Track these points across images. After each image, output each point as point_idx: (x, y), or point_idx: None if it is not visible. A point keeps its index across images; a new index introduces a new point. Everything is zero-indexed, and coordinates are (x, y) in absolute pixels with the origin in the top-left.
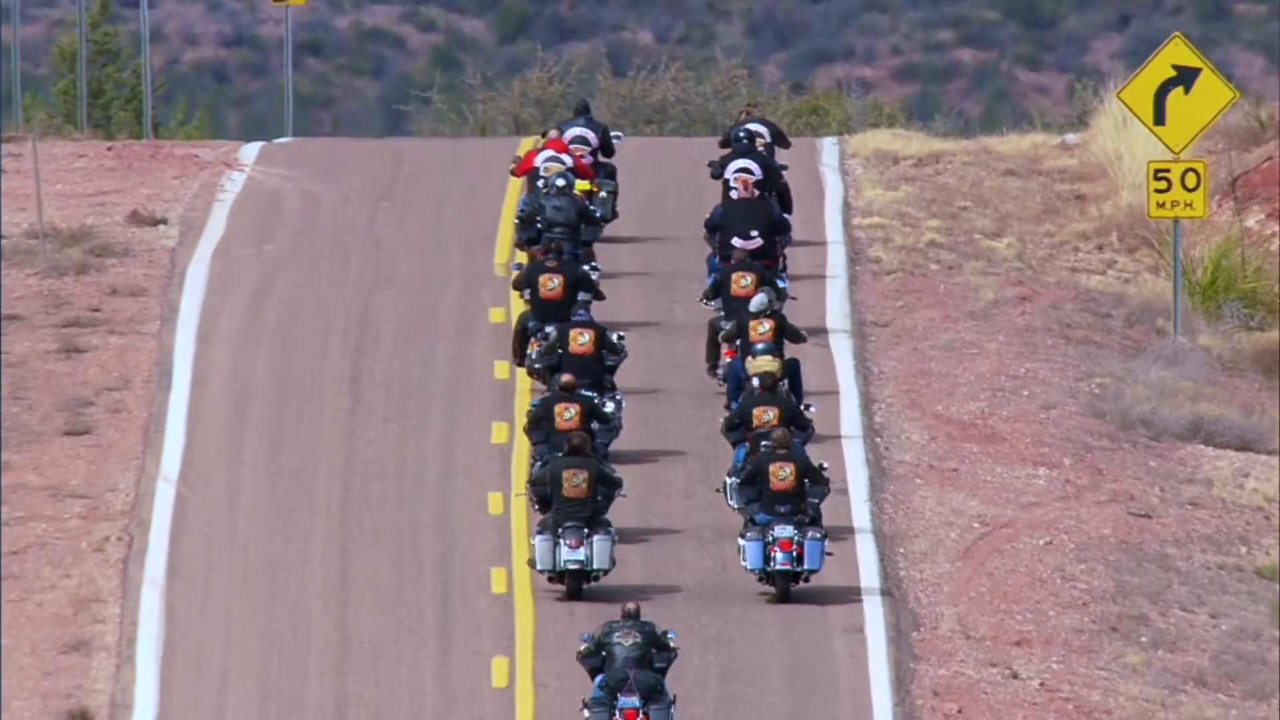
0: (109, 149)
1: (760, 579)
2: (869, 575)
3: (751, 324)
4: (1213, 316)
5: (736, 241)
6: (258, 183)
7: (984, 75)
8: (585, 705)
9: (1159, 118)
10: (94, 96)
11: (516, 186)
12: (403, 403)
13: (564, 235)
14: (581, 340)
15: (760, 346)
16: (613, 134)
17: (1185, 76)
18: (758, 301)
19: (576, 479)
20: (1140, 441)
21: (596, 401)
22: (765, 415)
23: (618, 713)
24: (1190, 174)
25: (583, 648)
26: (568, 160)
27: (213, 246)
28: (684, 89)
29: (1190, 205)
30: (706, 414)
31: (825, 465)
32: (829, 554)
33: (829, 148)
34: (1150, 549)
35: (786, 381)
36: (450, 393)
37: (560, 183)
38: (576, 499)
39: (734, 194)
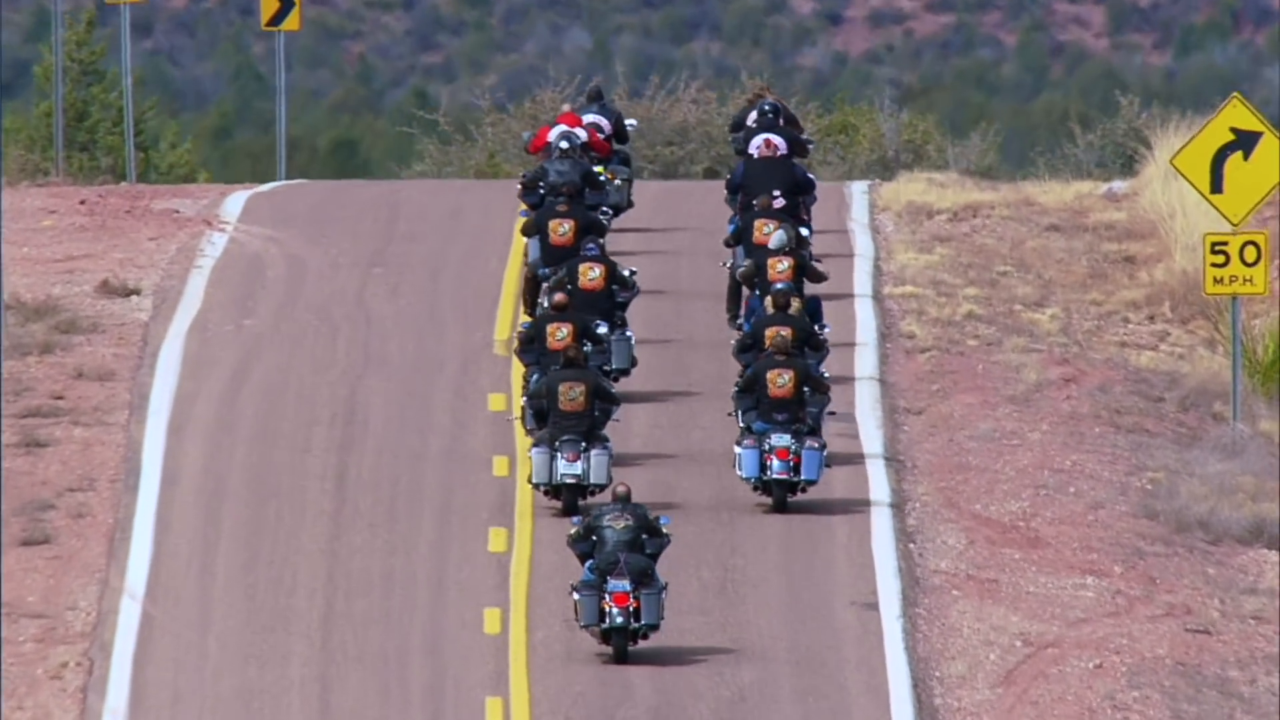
0: (81, 202)
1: (755, 488)
2: (900, 703)
3: (770, 262)
4: (1275, 399)
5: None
6: (240, 245)
7: (1020, 6)
8: (574, 589)
9: (1216, 185)
10: (78, 119)
11: (519, 250)
12: (391, 505)
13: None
14: (591, 275)
15: (779, 286)
16: (627, 121)
17: (1244, 141)
18: (777, 238)
19: (573, 392)
20: (1197, 546)
21: (592, 324)
22: (778, 335)
23: (607, 596)
24: (1250, 247)
25: (573, 531)
26: (582, 135)
27: (188, 321)
28: (705, 110)
29: (1250, 281)
30: (722, 359)
31: (826, 374)
32: (827, 466)
33: (859, 198)
34: (1210, 671)
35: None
36: (444, 494)
37: (564, 145)
38: (573, 412)
39: (755, 153)
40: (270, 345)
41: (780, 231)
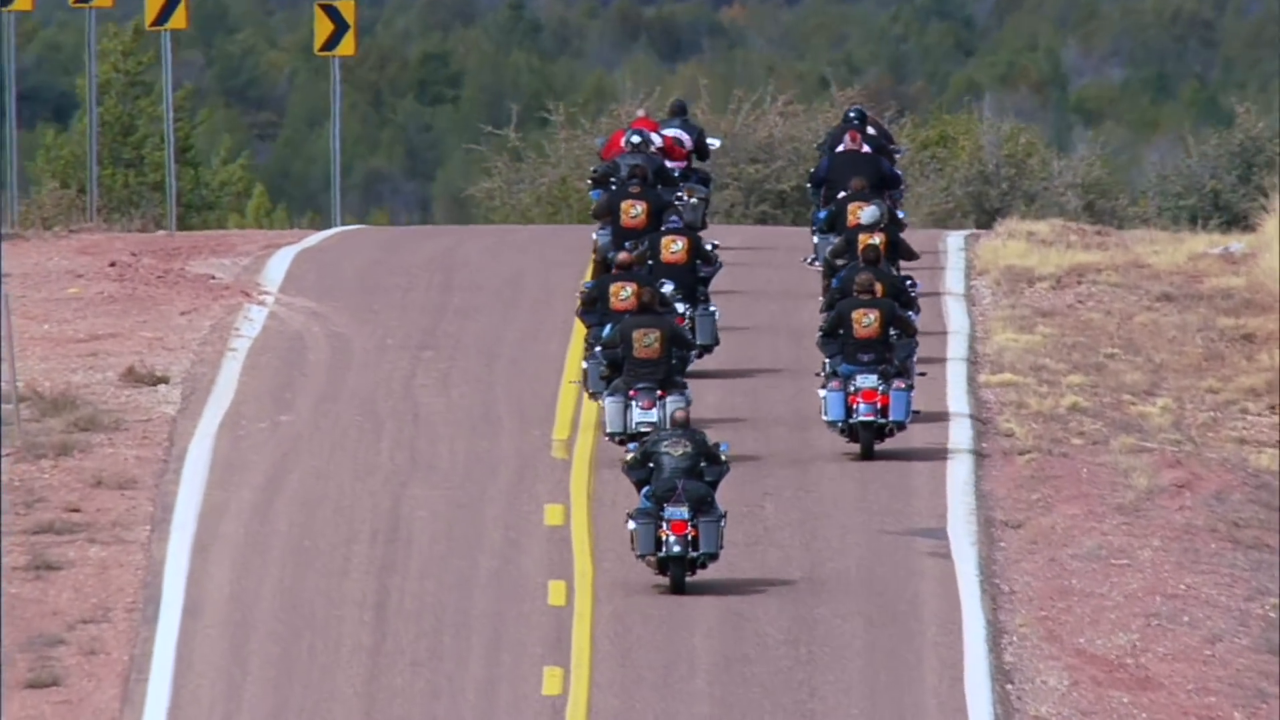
0: (111, 264)
1: (842, 432)
2: None
3: (861, 238)
4: None
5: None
6: (280, 322)
7: None
8: (630, 517)
9: None
10: (124, 134)
11: (580, 333)
12: (436, 639)
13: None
14: (674, 248)
15: (872, 243)
16: (709, 139)
17: None
18: (869, 213)
19: (648, 339)
20: None
21: (659, 285)
22: (865, 317)
23: (664, 524)
24: None
25: (629, 458)
26: (657, 140)
27: (220, 417)
28: (793, 124)
29: None
30: (803, 345)
31: (915, 317)
32: (916, 411)
33: (954, 257)
34: None
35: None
36: (494, 625)
37: (635, 139)
38: (649, 360)
39: (840, 148)
40: (308, 446)
41: (873, 207)
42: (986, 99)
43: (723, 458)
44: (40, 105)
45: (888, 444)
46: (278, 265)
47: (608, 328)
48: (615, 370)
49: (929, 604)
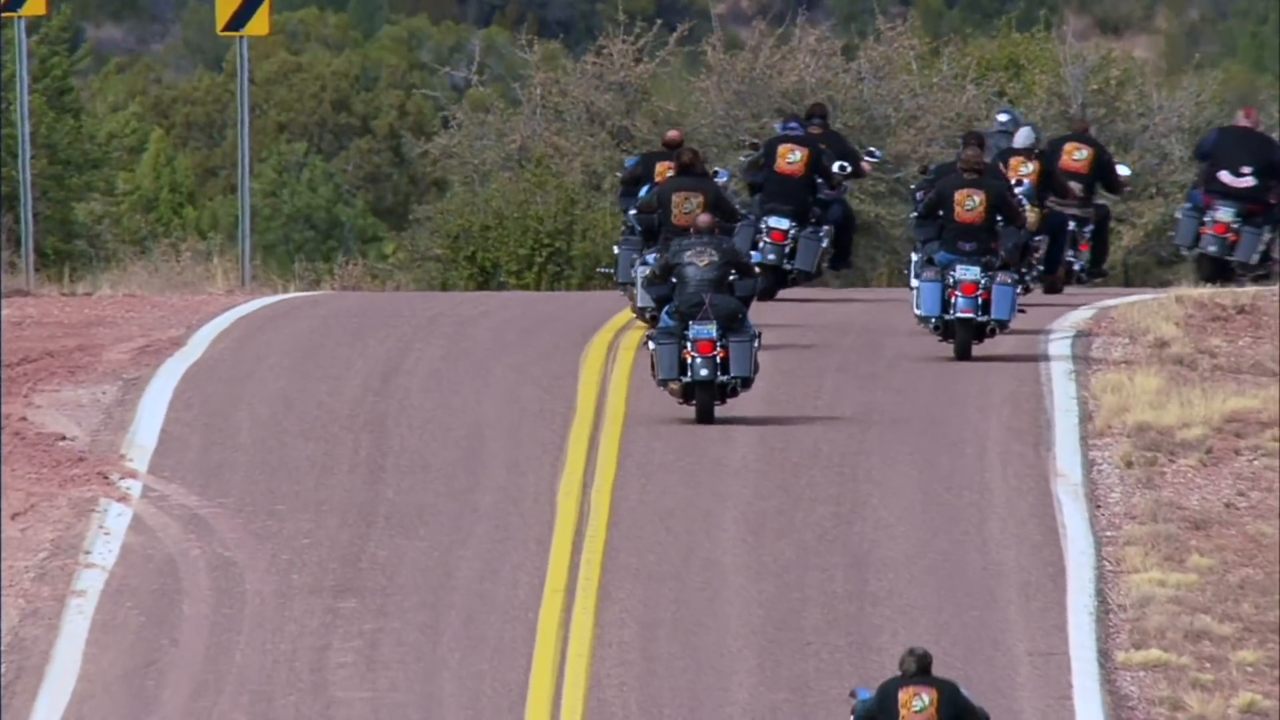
0: None
1: (935, 329)
2: None
3: (1012, 162)
4: None
5: (1224, 176)
6: (147, 538)
7: None
8: (649, 339)
9: None
10: None
11: (564, 545)
12: None
13: None
14: (791, 158)
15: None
16: (1120, 166)
17: None
18: (1023, 135)
19: (689, 204)
20: None
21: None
22: (969, 199)
23: (689, 344)
24: None
25: (648, 273)
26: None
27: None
28: (827, 65)
29: None
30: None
31: (1024, 202)
32: (1022, 310)
33: (1062, 401)
34: None
35: (1048, 239)
36: None
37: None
38: (689, 227)
39: (1235, 122)
40: None
41: (1027, 128)
42: (1070, 22)
43: (756, 270)
44: None
45: None
46: (151, 413)
47: (644, 189)
48: (650, 239)
49: None
